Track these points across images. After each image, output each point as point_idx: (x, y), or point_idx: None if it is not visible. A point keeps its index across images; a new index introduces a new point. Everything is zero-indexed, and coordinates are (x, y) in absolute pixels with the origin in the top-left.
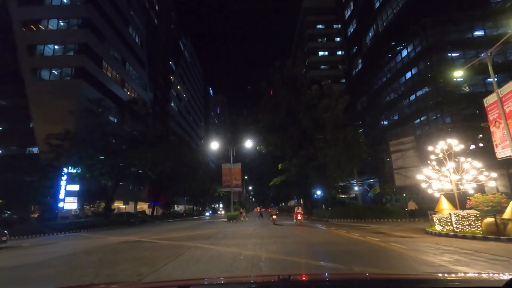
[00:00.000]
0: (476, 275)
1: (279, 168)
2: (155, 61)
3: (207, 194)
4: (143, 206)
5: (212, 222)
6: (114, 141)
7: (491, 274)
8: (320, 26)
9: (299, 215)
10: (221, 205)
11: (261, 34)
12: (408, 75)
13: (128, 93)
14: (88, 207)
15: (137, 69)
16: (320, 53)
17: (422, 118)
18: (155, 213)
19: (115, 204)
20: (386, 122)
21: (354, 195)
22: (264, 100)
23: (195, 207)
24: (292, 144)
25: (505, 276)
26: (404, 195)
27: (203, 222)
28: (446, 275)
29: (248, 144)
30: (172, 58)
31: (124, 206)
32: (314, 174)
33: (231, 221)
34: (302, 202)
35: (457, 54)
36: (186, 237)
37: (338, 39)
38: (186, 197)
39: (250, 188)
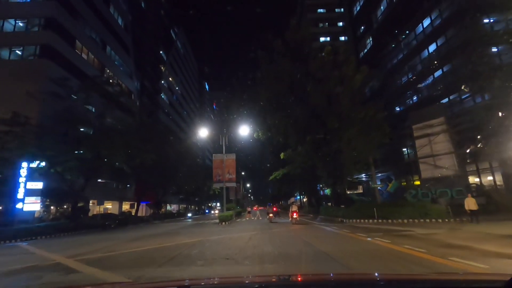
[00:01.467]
0: (477, 275)
1: (281, 157)
2: (143, 48)
3: (201, 192)
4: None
5: (200, 225)
6: (82, 129)
7: (491, 274)
8: (321, 10)
9: (294, 214)
10: (218, 204)
11: (259, 24)
12: (432, 47)
13: (110, 80)
14: (56, 208)
15: (121, 54)
16: (322, 39)
17: (451, 97)
18: (143, 214)
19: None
20: (402, 107)
21: (361, 191)
22: (262, 72)
23: (191, 207)
24: (298, 127)
25: (506, 276)
26: (431, 188)
27: (189, 225)
28: (446, 275)
29: (244, 131)
30: (162, 47)
31: (99, 207)
32: (324, 164)
33: (223, 223)
34: (305, 199)
35: (494, 19)
36: (137, 257)
37: (340, 23)
38: (180, 196)
39: (248, 185)
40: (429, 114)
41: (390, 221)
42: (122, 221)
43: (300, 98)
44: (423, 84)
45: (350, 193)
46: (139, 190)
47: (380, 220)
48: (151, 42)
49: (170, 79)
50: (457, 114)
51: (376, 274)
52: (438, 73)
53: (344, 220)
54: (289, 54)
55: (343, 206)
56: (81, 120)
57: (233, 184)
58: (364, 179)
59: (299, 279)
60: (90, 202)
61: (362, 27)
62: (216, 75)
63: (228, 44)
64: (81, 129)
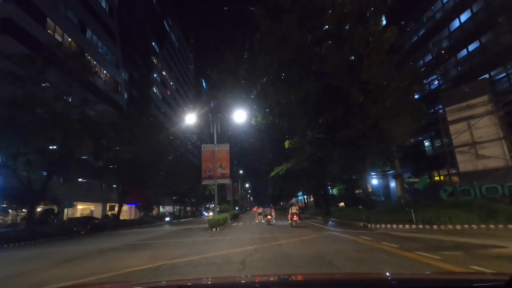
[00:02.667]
0: (477, 275)
1: (286, 146)
2: (132, 38)
3: (196, 192)
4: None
5: (185, 232)
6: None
7: (491, 274)
8: None
9: (294, 216)
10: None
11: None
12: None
13: (91, 67)
14: (16, 211)
15: (104, 40)
16: None
17: (495, 71)
18: (131, 216)
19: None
20: (429, 87)
21: (369, 190)
22: (261, 34)
23: (186, 208)
24: (307, 106)
25: (506, 276)
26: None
27: (171, 232)
28: (446, 275)
29: (241, 116)
30: (154, 38)
31: (76, 210)
32: (340, 153)
33: (214, 229)
34: (311, 199)
35: None
36: None
37: None
38: (174, 197)
39: (247, 185)
40: (467, 93)
41: (435, 227)
42: (98, 226)
43: (311, 68)
44: (455, 57)
45: (358, 192)
46: (124, 190)
47: (421, 226)
48: (142, 31)
49: (163, 73)
50: (507, 90)
51: (377, 274)
52: (475, 43)
53: (368, 225)
54: (297, 10)
55: (360, 206)
56: (33, 101)
57: (227, 181)
58: (373, 175)
59: (299, 278)
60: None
61: None
62: (212, 66)
63: (225, 38)
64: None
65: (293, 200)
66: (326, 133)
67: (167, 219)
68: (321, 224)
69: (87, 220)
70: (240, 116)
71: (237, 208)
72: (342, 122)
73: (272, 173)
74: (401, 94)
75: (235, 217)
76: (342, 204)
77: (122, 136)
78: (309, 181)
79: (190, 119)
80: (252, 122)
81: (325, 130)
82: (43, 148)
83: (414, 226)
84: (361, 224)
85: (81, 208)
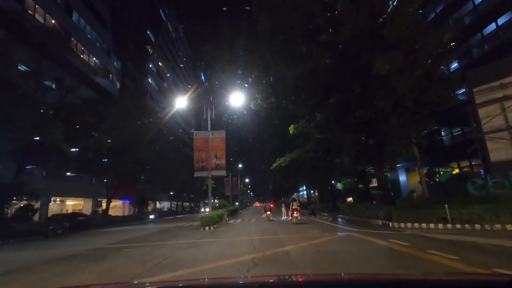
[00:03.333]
0: (477, 275)
1: (291, 131)
2: (125, 25)
3: (193, 187)
4: (116, 203)
5: (174, 230)
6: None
7: (491, 274)
8: None
9: (295, 212)
10: (217, 201)
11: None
12: None
13: (77, 52)
14: None
15: (94, 25)
16: None
17: None
18: (124, 213)
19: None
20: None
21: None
22: None
23: (186, 204)
24: (316, 83)
25: (506, 277)
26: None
27: (158, 231)
28: (446, 275)
29: (239, 99)
30: (150, 28)
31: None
32: (353, 139)
33: (207, 228)
34: (317, 194)
35: None
36: None
37: None
38: (172, 192)
39: (247, 180)
40: (498, 70)
41: (478, 226)
42: (83, 223)
43: (321, 38)
44: (481, 33)
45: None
46: (115, 185)
47: (458, 226)
48: (136, 20)
49: (159, 63)
50: None
51: (377, 275)
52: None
53: (390, 224)
54: None
55: (374, 202)
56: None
57: (222, 173)
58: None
59: (299, 279)
60: (57, 199)
61: None
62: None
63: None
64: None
65: (294, 195)
66: (338, 115)
67: (151, 216)
68: (330, 221)
69: (71, 217)
70: (237, 99)
71: (237, 203)
72: (358, 100)
73: (274, 165)
74: (431, 64)
75: (233, 213)
76: (350, 199)
77: (102, 123)
78: (315, 174)
79: (181, 103)
80: (252, 105)
81: (336, 112)
82: (10, 136)
83: (449, 225)
84: (380, 222)
85: (73, 204)
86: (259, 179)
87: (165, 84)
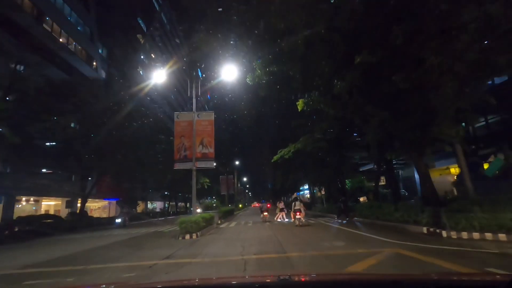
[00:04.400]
0: (477, 275)
1: (299, 108)
2: (111, 9)
3: (185, 186)
4: (102, 203)
5: (146, 239)
6: None
7: (492, 274)
8: None
9: (297, 213)
10: (214, 201)
11: None
12: None
13: (53, 33)
14: None
15: (74, 6)
16: None
17: None
18: (109, 214)
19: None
20: None
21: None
22: None
23: (181, 204)
24: (335, 39)
25: (506, 277)
26: None
27: (126, 239)
28: (446, 275)
29: (231, 73)
30: (140, 14)
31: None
32: (386, 116)
33: (188, 236)
34: (323, 192)
35: None
36: None
37: None
38: (165, 192)
39: (245, 179)
40: None
41: None
42: (46, 227)
43: None
44: None
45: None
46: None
47: None
48: (126, 6)
49: (152, 55)
50: None
51: (377, 275)
52: None
53: (443, 233)
54: None
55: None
56: None
57: (210, 164)
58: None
59: (300, 279)
60: (30, 199)
61: None
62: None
63: None
64: None
65: (294, 195)
66: (364, 83)
67: (118, 220)
68: (344, 225)
69: (39, 219)
70: (231, 73)
71: (239, 205)
72: (395, 59)
73: (275, 157)
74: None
75: (227, 215)
76: (363, 198)
77: (61, 104)
78: (322, 169)
79: (161, 78)
80: (248, 80)
81: (362, 78)
82: None
83: None
84: (424, 229)
85: (54, 204)
86: (258, 178)
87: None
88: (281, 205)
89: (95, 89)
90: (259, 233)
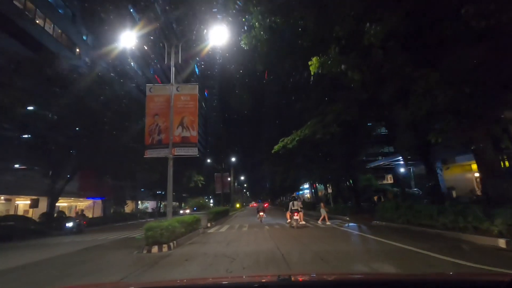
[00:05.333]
0: (477, 275)
1: (312, 69)
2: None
3: (177, 184)
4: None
5: (100, 251)
6: None
7: (492, 274)
8: None
9: (295, 214)
10: (211, 200)
11: None
12: None
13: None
14: None
15: None
16: None
17: None
18: (93, 214)
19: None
20: None
21: (391, 181)
22: None
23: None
24: None
25: (506, 276)
26: None
27: (59, 257)
28: (446, 275)
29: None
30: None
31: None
32: (436, 78)
33: (155, 248)
34: (330, 190)
35: None
36: None
37: None
38: (158, 191)
39: (243, 178)
40: None
41: None
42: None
43: None
44: None
45: (386, 183)
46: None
47: None
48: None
49: (145, 47)
50: None
51: (377, 275)
52: None
53: None
54: None
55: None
56: None
57: (192, 151)
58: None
59: (300, 279)
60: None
61: None
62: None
63: None
64: None
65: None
66: (409, 31)
67: (68, 225)
68: (364, 231)
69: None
70: (220, 34)
71: (236, 204)
72: None
73: (276, 147)
74: None
75: (220, 216)
76: (377, 198)
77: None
78: (331, 163)
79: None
80: (242, 43)
81: (407, 23)
82: None
83: None
84: (501, 243)
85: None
86: (256, 177)
87: (151, 70)
88: (298, 203)
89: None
90: (256, 244)
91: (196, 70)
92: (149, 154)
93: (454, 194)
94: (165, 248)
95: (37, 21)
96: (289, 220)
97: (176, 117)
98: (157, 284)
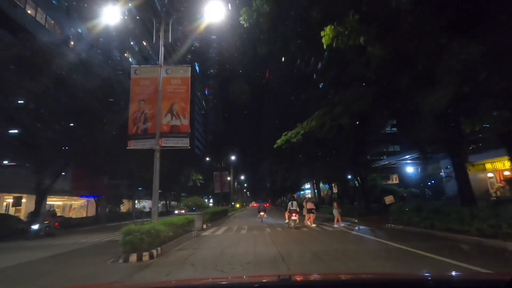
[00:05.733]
0: (477, 275)
1: (324, 42)
2: None
3: (175, 183)
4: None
5: (69, 260)
6: None
7: (491, 274)
8: None
9: (293, 214)
10: (211, 200)
11: None
12: None
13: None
14: None
15: None
16: None
17: None
18: (86, 213)
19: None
20: None
21: (397, 181)
22: None
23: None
24: None
25: (506, 276)
26: None
27: (32, 262)
28: (446, 275)
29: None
30: None
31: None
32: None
33: (133, 257)
34: (337, 190)
35: None
36: None
37: None
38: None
39: (243, 178)
40: None
41: None
42: None
43: None
44: None
45: (390, 183)
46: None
47: None
48: None
49: (144, 43)
50: None
51: (377, 274)
52: None
53: None
54: None
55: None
56: None
57: (183, 143)
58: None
59: (300, 279)
60: None
61: None
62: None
63: None
64: None
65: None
66: None
67: (34, 227)
68: (381, 236)
69: None
70: (217, 12)
71: (236, 205)
72: None
73: (279, 140)
74: None
75: (218, 217)
76: (389, 198)
77: None
78: (337, 161)
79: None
80: (242, 19)
81: None
82: None
83: None
84: None
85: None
86: (256, 177)
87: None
88: (309, 205)
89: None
90: (255, 250)
91: (197, 68)
92: (133, 145)
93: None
94: (145, 256)
95: None
96: (287, 220)
97: (164, 103)
98: (157, 284)
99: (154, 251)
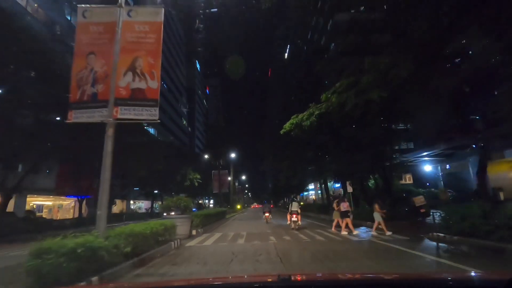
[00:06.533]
0: (477, 275)
1: None
2: None
3: (169, 182)
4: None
5: None
6: None
7: (491, 274)
8: None
9: (294, 215)
10: (211, 201)
11: None
12: None
13: None
14: None
15: None
16: None
17: None
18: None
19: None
20: None
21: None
22: None
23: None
24: None
25: (506, 276)
26: None
27: None
28: (446, 275)
29: None
30: None
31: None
32: None
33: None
34: (351, 190)
35: None
36: None
37: None
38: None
39: (244, 178)
40: None
41: None
42: None
43: None
44: None
45: (406, 183)
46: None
47: None
48: None
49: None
50: None
51: (377, 274)
52: None
53: None
54: None
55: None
56: None
57: (150, 114)
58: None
59: (300, 279)
60: None
61: None
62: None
63: None
64: None
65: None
66: None
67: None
68: (428, 251)
69: None
70: None
71: (236, 206)
72: None
73: (287, 124)
74: None
75: (213, 220)
76: (419, 198)
77: None
78: (355, 153)
79: None
80: None
81: None
82: None
83: None
84: None
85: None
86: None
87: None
88: (344, 205)
89: None
90: (254, 277)
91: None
92: (75, 117)
93: (502, 196)
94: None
95: None
96: (288, 222)
97: (124, 57)
98: (156, 284)
99: (93, 281)
